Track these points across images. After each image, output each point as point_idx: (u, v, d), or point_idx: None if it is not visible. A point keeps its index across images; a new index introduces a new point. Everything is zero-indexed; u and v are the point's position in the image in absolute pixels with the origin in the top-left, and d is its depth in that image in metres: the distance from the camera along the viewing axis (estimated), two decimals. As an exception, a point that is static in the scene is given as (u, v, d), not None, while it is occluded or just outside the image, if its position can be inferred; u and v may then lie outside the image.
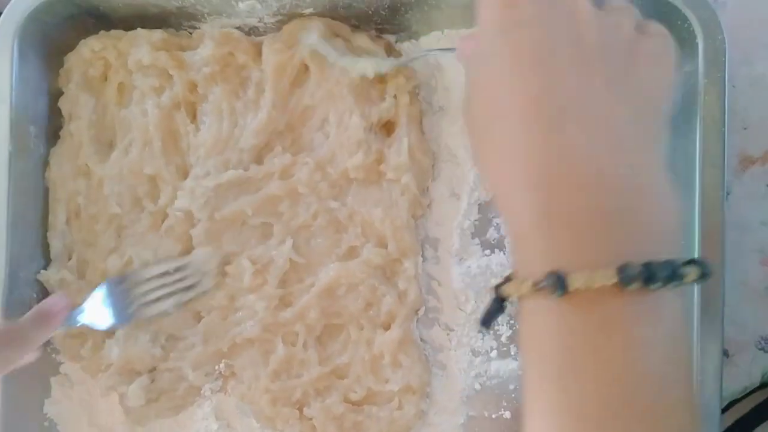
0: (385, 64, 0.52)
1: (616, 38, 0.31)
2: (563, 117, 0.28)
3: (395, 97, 0.53)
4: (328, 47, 0.51)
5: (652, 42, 0.32)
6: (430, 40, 0.55)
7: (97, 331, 0.52)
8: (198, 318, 0.54)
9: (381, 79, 0.53)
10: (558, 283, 0.27)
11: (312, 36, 0.51)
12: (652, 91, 0.31)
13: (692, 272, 0.27)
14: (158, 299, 0.52)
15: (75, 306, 0.50)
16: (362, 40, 0.53)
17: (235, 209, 0.53)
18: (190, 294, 0.53)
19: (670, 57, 0.32)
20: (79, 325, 0.50)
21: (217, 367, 0.54)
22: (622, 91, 0.29)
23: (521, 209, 0.29)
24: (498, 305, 0.31)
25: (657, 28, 0.32)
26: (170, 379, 0.53)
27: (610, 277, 0.26)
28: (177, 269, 0.53)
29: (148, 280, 0.52)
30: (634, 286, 0.26)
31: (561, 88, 0.28)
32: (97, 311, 0.50)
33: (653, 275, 0.26)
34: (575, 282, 0.26)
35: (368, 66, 0.51)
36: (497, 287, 0.30)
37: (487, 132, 0.30)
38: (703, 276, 0.28)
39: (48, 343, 0.53)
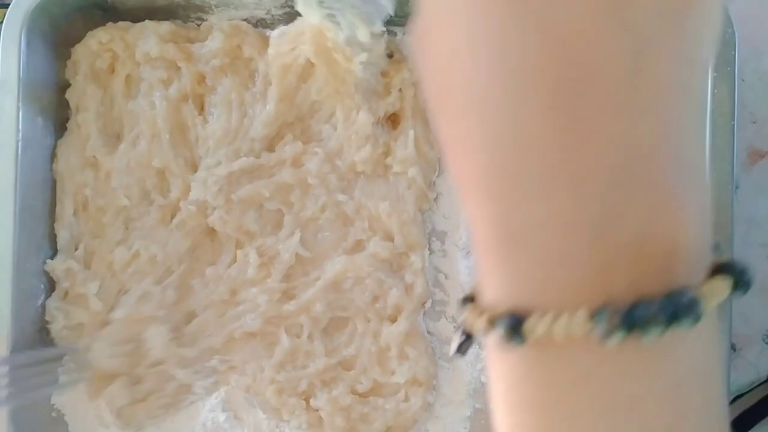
0: (375, 17, 0.46)
1: None
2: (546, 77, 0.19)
3: (400, 90, 0.53)
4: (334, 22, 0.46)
5: None
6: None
7: (91, 322, 0.53)
8: (189, 319, 0.54)
9: (386, 73, 0.53)
10: (514, 330, 0.20)
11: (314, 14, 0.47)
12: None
13: (718, 290, 0.19)
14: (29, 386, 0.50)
15: None
16: None
17: (252, 191, 0.53)
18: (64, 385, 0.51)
19: None
20: None
21: (208, 364, 0.54)
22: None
23: (477, 217, 0.21)
24: (464, 334, 0.24)
25: None
26: (157, 379, 0.53)
27: (579, 326, 0.19)
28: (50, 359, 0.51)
29: (18, 368, 0.49)
30: (616, 338, 0.19)
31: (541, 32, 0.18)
32: None
33: (644, 320, 0.18)
34: (533, 331, 0.20)
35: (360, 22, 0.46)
36: (462, 303, 0.23)
37: (443, 109, 0.22)
38: (739, 287, 0.20)
39: (48, 333, 0.53)
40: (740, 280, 0.20)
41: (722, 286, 0.20)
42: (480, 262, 0.22)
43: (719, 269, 0.20)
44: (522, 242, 0.20)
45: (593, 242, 0.19)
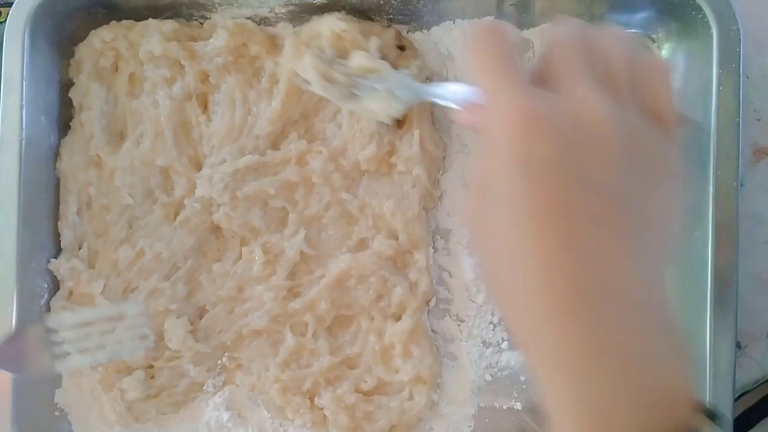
0: (397, 106, 0.49)
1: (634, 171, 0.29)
2: (585, 297, 0.27)
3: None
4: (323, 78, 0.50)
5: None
6: (441, 31, 0.55)
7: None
8: (201, 314, 0.54)
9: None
10: None
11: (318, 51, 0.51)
12: (666, 223, 0.30)
13: (708, 425, 0.27)
14: (86, 349, 0.48)
15: None
16: (372, 45, 0.50)
17: (257, 188, 0.53)
18: (131, 351, 0.49)
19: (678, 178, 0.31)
20: None
21: (219, 362, 0.54)
22: (636, 233, 0.28)
23: (551, 390, 0.29)
24: None
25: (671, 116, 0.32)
26: (170, 375, 0.53)
27: None
28: (112, 318, 0.49)
29: (77, 326, 0.48)
30: None
31: (579, 258, 0.27)
32: (7, 358, 0.45)
33: None
34: None
35: (379, 109, 0.49)
36: None
37: (502, 288, 0.30)
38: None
39: (56, 332, 0.53)
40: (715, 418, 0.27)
41: (704, 421, 0.27)
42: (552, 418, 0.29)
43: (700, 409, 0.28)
44: (608, 415, 0.27)
45: (643, 401, 0.27)
